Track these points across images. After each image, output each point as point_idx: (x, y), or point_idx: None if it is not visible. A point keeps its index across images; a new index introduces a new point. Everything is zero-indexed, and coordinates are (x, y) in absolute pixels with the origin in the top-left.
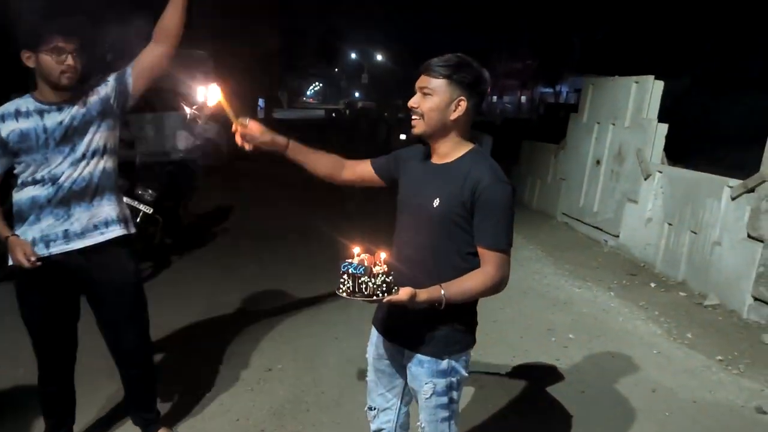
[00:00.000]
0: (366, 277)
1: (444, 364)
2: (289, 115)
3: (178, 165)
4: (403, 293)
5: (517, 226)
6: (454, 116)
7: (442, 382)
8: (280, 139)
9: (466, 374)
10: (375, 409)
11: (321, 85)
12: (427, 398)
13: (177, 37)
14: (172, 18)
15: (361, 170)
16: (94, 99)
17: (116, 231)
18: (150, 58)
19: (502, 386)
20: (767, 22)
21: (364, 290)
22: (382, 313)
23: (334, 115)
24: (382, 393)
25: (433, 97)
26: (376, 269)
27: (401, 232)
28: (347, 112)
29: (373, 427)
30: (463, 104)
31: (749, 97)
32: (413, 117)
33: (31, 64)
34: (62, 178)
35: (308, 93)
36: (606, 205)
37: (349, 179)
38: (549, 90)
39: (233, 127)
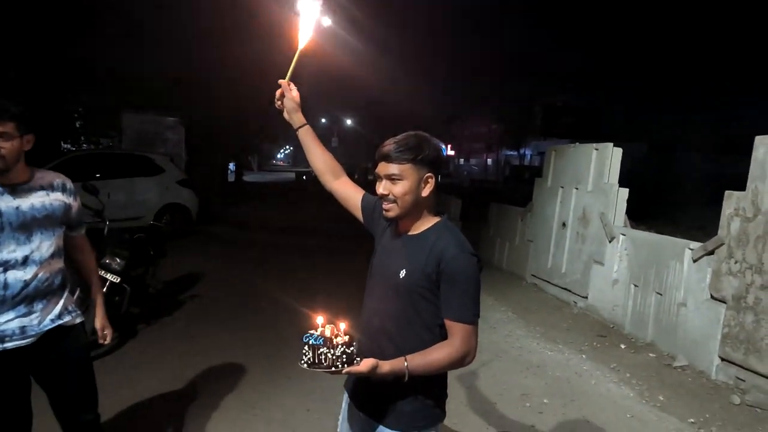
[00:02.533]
0: (325, 348)
1: None
2: (259, 178)
3: (147, 231)
4: (365, 365)
5: (487, 287)
6: (425, 193)
7: None
8: (301, 118)
9: None
10: None
11: (291, 148)
12: None
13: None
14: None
15: (351, 193)
16: (58, 201)
17: (69, 319)
18: (75, 250)
19: None
20: (721, 92)
21: (323, 361)
22: (353, 380)
23: (304, 177)
24: None
25: (404, 182)
26: (336, 340)
27: (370, 300)
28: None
29: None
30: (432, 180)
31: (703, 161)
32: (385, 203)
33: None
34: (29, 276)
35: (278, 156)
36: (573, 266)
37: (335, 190)
38: (513, 153)
39: (281, 81)
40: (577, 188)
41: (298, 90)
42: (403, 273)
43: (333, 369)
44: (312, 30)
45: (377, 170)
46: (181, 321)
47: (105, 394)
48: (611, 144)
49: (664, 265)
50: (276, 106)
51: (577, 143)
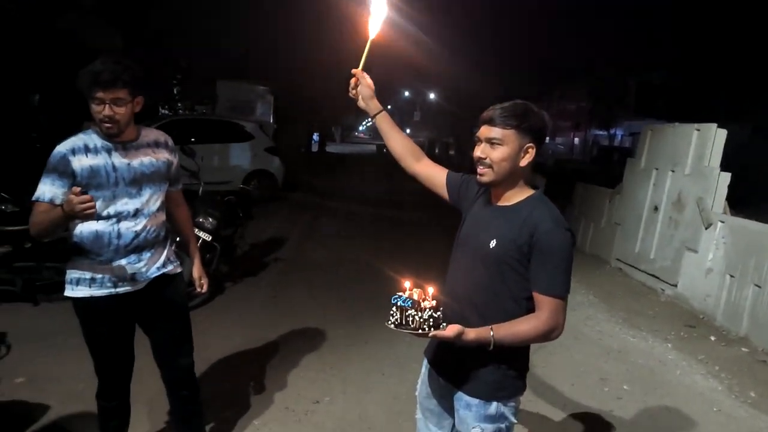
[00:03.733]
0: (413, 311)
1: (493, 408)
2: (341, 149)
3: (237, 194)
4: (450, 330)
5: None
6: (523, 163)
7: (490, 428)
8: (377, 104)
9: (515, 421)
10: None
11: (373, 121)
12: None
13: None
14: (187, 245)
15: (434, 173)
16: (163, 158)
17: (171, 268)
18: (172, 205)
19: None
20: None
21: (410, 323)
22: (434, 346)
23: (385, 150)
24: None
25: (504, 147)
26: (424, 304)
27: (456, 270)
28: None
29: None
30: (532, 151)
31: None
32: (480, 167)
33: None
34: (140, 227)
35: (360, 128)
36: (663, 252)
37: (418, 172)
38: (603, 132)
39: (355, 71)
40: (673, 171)
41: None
42: (493, 243)
43: (420, 332)
44: (383, 17)
45: (478, 133)
46: (265, 282)
47: (196, 347)
48: (714, 125)
49: (765, 256)
50: (351, 95)
51: (677, 123)
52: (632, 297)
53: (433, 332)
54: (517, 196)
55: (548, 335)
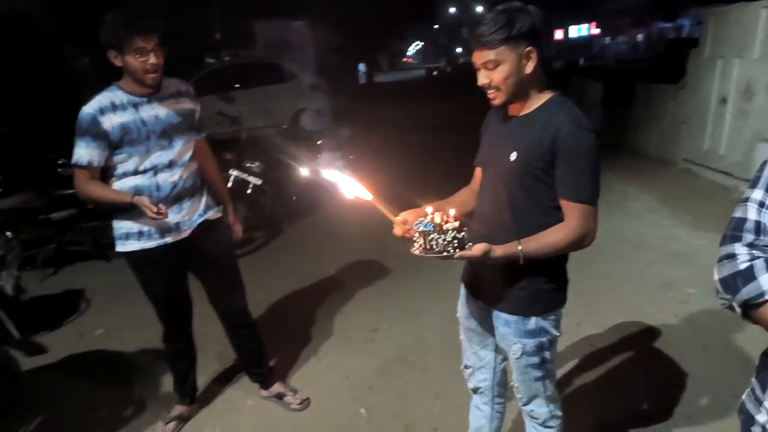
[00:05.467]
0: (435, 234)
1: (531, 323)
2: (390, 78)
3: (282, 135)
4: (477, 249)
5: (631, 175)
6: (529, 69)
7: (531, 342)
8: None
9: (558, 333)
10: (470, 367)
11: (421, 44)
12: (517, 358)
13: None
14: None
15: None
16: (187, 107)
17: (213, 213)
18: (198, 153)
19: (614, 345)
20: None
21: (434, 247)
22: (467, 268)
23: (435, 73)
24: (475, 352)
25: (502, 66)
26: (446, 226)
27: (482, 190)
28: (449, 68)
29: (470, 385)
30: (533, 54)
31: None
32: (489, 91)
33: (118, 63)
34: (176, 177)
35: (408, 53)
36: (734, 147)
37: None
38: (668, 25)
39: (396, 232)
40: (740, 57)
41: None
42: (514, 155)
43: (445, 254)
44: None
45: (473, 59)
46: (320, 219)
47: (256, 287)
48: None
49: None
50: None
51: (742, 2)
52: (701, 198)
53: (459, 253)
54: (533, 103)
55: (580, 243)
